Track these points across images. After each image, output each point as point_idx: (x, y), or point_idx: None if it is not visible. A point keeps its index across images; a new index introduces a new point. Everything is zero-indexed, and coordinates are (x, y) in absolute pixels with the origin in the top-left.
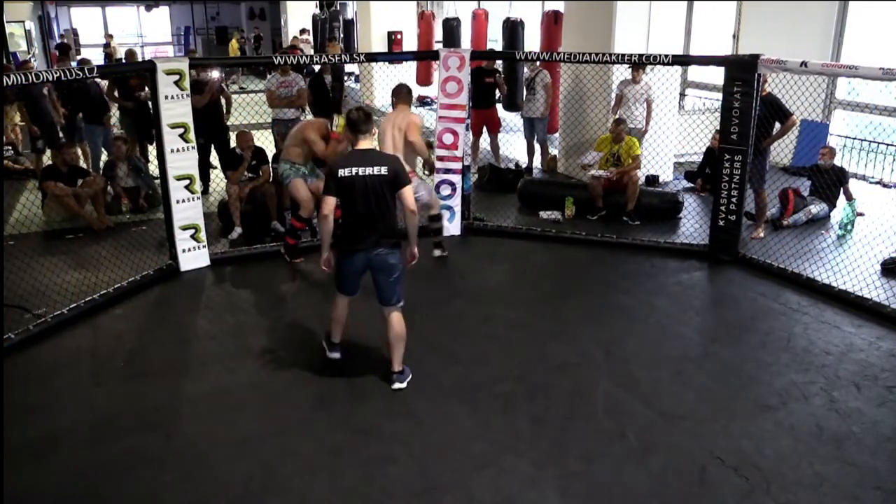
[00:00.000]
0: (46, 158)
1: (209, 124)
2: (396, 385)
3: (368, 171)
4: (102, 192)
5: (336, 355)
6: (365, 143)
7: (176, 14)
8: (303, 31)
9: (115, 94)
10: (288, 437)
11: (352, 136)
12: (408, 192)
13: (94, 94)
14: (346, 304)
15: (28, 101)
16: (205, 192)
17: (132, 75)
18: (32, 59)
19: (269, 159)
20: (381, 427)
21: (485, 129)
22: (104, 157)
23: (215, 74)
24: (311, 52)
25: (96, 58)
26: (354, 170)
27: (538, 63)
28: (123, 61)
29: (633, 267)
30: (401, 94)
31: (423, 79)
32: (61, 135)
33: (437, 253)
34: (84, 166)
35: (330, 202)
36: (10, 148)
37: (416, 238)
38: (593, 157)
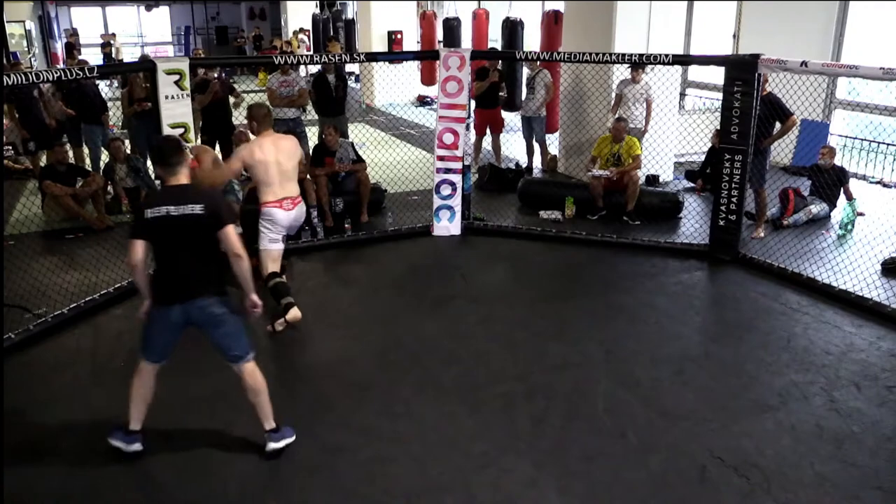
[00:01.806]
0: (44, 160)
1: (216, 123)
2: (271, 445)
3: (182, 210)
4: (102, 192)
5: (136, 447)
6: (179, 178)
7: (176, 14)
8: (302, 31)
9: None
10: None
11: (160, 171)
12: (230, 233)
13: (92, 94)
14: (151, 374)
15: (18, 103)
16: None
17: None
18: (32, 59)
19: None
20: (381, 427)
21: (488, 128)
22: (104, 157)
23: (214, 75)
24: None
25: (95, 58)
26: (165, 209)
27: (538, 62)
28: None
29: (633, 267)
30: (265, 119)
31: (428, 78)
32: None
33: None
34: (83, 166)
35: (138, 248)
36: (10, 148)
37: (250, 284)
38: (597, 166)
